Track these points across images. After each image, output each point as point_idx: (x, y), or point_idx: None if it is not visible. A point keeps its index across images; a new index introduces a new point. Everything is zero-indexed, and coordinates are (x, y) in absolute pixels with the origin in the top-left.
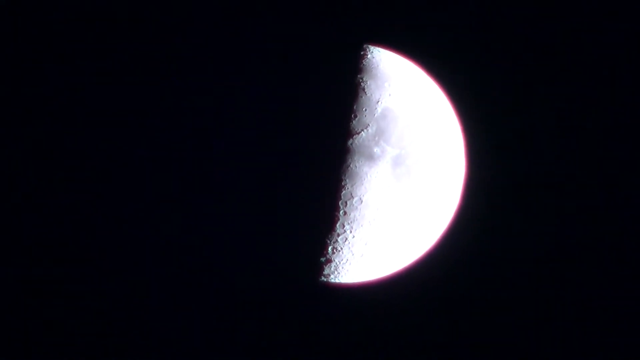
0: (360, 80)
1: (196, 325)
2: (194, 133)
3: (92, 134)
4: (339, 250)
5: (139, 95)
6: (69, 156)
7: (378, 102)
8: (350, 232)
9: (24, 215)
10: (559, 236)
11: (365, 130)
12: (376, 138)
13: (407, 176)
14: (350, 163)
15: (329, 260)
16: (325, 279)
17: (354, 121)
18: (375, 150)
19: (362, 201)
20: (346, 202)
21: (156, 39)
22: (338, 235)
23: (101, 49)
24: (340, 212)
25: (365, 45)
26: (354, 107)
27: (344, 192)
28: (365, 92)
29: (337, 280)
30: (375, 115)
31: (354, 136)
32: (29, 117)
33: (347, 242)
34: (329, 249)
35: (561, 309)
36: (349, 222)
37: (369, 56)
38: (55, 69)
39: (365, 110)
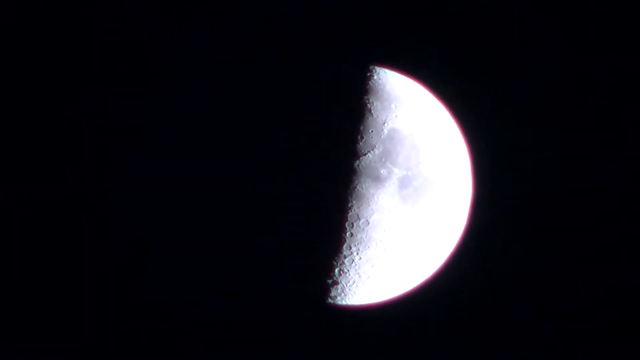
0: (367, 102)
1: (198, 349)
2: (194, 156)
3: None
4: (346, 272)
5: (141, 97)
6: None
7: (384, 123)
8: (357, 253)
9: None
10: (571, 253)
11: (371, 151)
12: (383, 159)
13: (414, 197)
14: (356, 184)
15: (336, 282)
16: (332, 301)
17: (360, 142)
18: (381, 171)
19: (368, 222)
20: (352, 224)
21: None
22: (344, 257)
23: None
24: (347, 233)
25: (371, 67)
26: (361, 128)
27: (350, 213)
28: (372, 113)
29: (343, 303)
30: (382, 136)
31: (361, 157)
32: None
33: (353, 264)
34: (336, 270)
35: (573, 325)
36: (356, 243)
37: (375, 77)
38: None
39: (372, 131)
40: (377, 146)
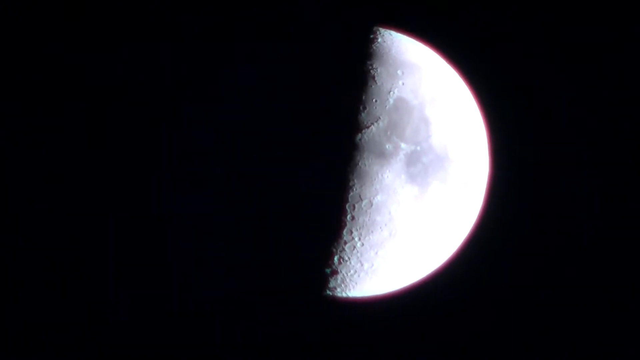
0: (370, 68)
1: (194, 345)
2: (188, 132)
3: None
4: (346, 261)
5: (148, 93)
6: None
7: (390, 92)
8: (359, 239)
9: None
10: (595, 246)
11: (375, 123)
12: (388, 133)
13: (423, 176)
14: (358, 161)
15: (335, 272)
16: (330, 293)
17: (362, 114)
18: (386, 146)
19: (372, 204)
20: (354, 206)
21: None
22: (345, 243)
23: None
24: (348, 216)
25: (375, 28)
26: (363, 97)
27: (351, 194)
28: (376, 81)
29: (344, 295)
30: (387, 106)
31: (363, 131)
32: None
33: (355, 251)
34: (335, 258)
35: (595, 324)
36: (358, 228)
37: (379, 40)
38: None
39: (376, 101)
40: (381, 118)
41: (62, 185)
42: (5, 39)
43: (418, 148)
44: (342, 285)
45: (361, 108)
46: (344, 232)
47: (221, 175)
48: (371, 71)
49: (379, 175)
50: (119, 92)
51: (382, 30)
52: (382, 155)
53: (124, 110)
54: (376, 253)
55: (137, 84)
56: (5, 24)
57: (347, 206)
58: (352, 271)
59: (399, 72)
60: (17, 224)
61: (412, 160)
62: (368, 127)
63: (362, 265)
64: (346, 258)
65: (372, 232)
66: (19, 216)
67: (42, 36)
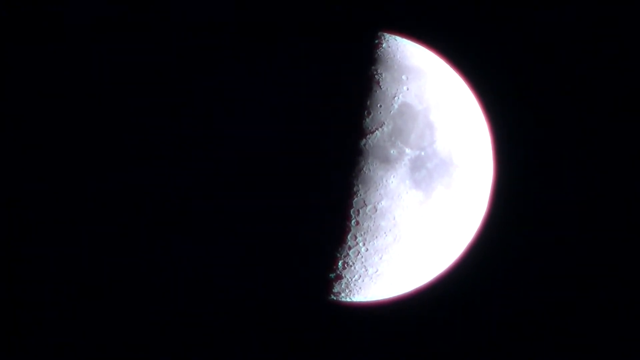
0: (375, 73)
1: (196, 347)
2: (190, 137)
3: None
4: (351, 266)
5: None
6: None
7: (394, 97)
8: (363, 244)
9: None
10: (598, 248)
11: (380, 129)
12: (392, 138)
13: (427, 181)
14: (363, 166)
15: (339, 277)
16: (335, 298)
17: (367, 119)
18: (391, 151)
19: (376, 209)
20: (358, 211)
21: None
22: (349, 248)
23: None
24: (352, 221)
25: (379, 33)
26: (367, 103)
27: (355, 199)
28: (380, 86)
29: (348, 299)
30: (392, 112)
31: (368, 136)
32: None
33: (359, 256)
34: (339, 263)
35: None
36: (362, 233)
37: (384, 45)
38: None
39: (380, 106)
40: (386, 123)
41: (60, 185)
42: (5, 39)
43: (422, 153)
44: (347, 290)
45: (366, 113)
46: (349, 237)
47: (225, 178)
48: (376, 76)
49: (384, 181)
50: (119, 93)
51: (386, 35)
52: (387, 161)
53: (123, 113)
54: (380, 258)
55: (137, 85)
56: (5, 23)
57: (351, 211)
58: (356, 276)
59: (403, 77)
60: (7, 219)
61: (417, 165)
62: (372, 133)
63: (366, 270)
64: (350, 263)
65: (376, 237)
66: (11, 212)
67: (41, 34)
